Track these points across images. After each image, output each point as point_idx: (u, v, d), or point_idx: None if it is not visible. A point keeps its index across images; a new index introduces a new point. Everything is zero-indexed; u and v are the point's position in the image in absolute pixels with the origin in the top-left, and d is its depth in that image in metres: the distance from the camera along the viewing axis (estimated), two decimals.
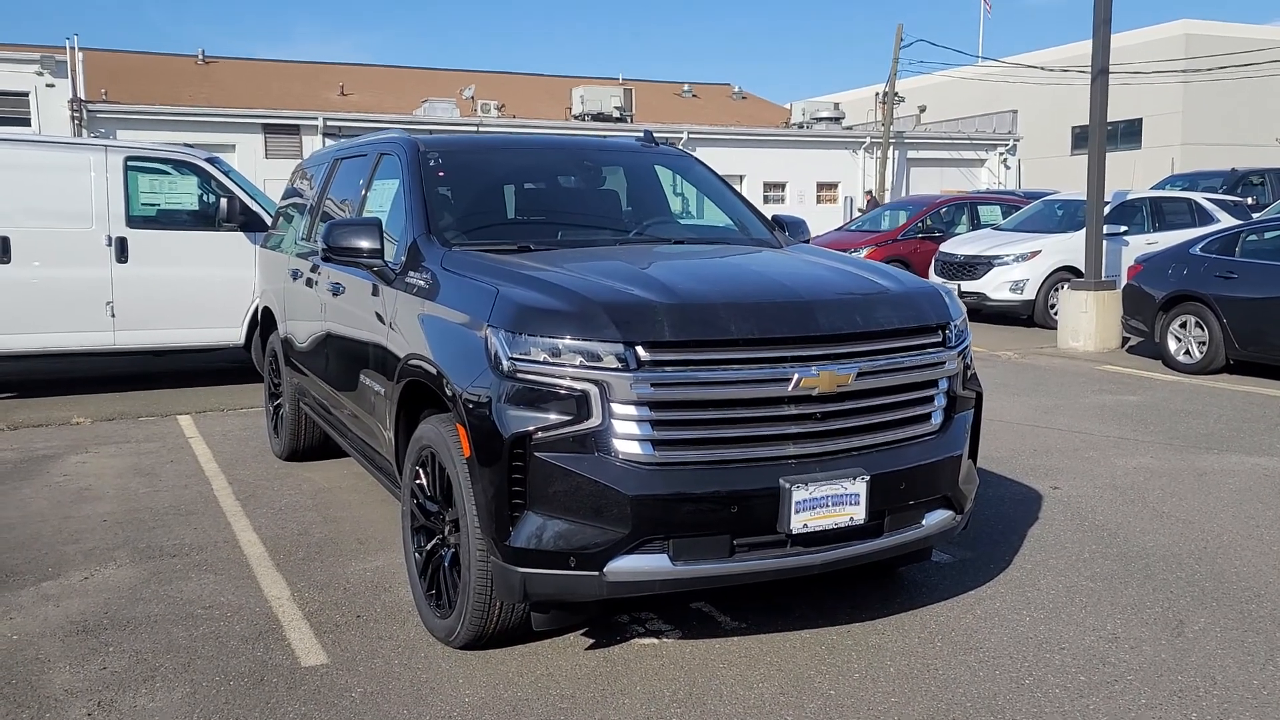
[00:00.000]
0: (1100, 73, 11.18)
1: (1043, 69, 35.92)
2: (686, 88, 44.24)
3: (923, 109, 41.60)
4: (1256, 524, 5.29)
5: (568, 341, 3.35)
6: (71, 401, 8.94)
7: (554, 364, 3.35)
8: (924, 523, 3.80)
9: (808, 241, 5.22)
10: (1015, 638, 3.94)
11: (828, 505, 3.47)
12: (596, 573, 3.36)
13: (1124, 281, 11.65)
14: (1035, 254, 13.10)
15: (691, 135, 32.95)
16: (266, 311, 7.01)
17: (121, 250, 8.93)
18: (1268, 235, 9.68)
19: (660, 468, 3.34)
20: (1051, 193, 18.82)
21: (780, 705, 3.43)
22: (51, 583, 4.65)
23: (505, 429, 3.35)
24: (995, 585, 4.48)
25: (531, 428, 3.33)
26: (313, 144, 29.39)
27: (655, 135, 5.62)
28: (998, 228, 14.99)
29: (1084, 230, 13.01)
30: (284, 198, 7.47)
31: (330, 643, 3.95)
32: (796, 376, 3.41)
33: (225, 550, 5.07)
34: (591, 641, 3.92)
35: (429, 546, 4.02)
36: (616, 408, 3.31)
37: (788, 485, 3.39)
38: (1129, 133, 41.74)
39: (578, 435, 3.33)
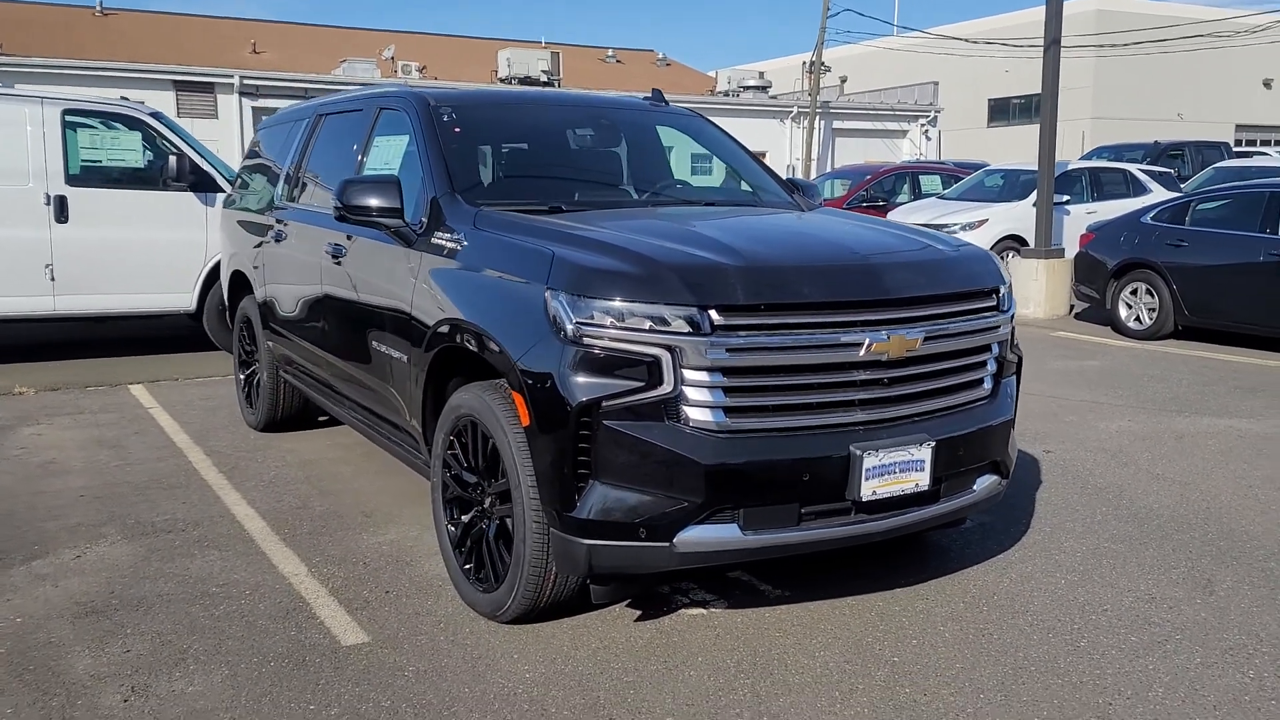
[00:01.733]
0: (1053, 43, 11.35)
1: (967, 41, 36.47)
2: (610, 53, 43.82)
3: (844, 79, 41.91)
4: (1249, 484, 5.43)
5: (637, 305, 3.22)
6: (10, 370, 8.45)
7: (623, 329, 3.21)
8: (975, 488, 3.79)
9: (822, 204, 5.16)
10: (1056, 600, 3.97)
11: (895, 472, 3.42)
12: (667, 544, 3.26)
13: (1069, 249, 11.91)
14: (982, 222, 13.31)
15: None
16: (237, 276, 6.68)
17: (61, 210, 8.43)
18: (1216, 205, 9.96)
19: (732, 435, 3.25)
20: (982, 164, 19.14)
21: (848, 674, 3.39)
22: (42, 561, 4.37)
23: (572, 397, 3.21)
24: (1021, 549, 4.51)
25: (600, 395, 3.20)
26: (229, 103, 28.33)
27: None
28: (943, 197, 15.19)
29: (1027, 199, 13.29)
30: (249, 156, 7.13)
31: (366, 620, 3.79)
32: (868, 341, 3.34)
33: (223, 525, 4.83)
34: (639, 613, 3.82)
35: (466, 519, 3.87)
36: (688, 374, 3.20)
37: (859, 452, 3.33)
38: (1040, 106, 42.67)
39: (648, 402, 3.21)
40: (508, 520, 3.58)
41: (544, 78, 35.56)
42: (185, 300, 8.91)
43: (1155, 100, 42.29)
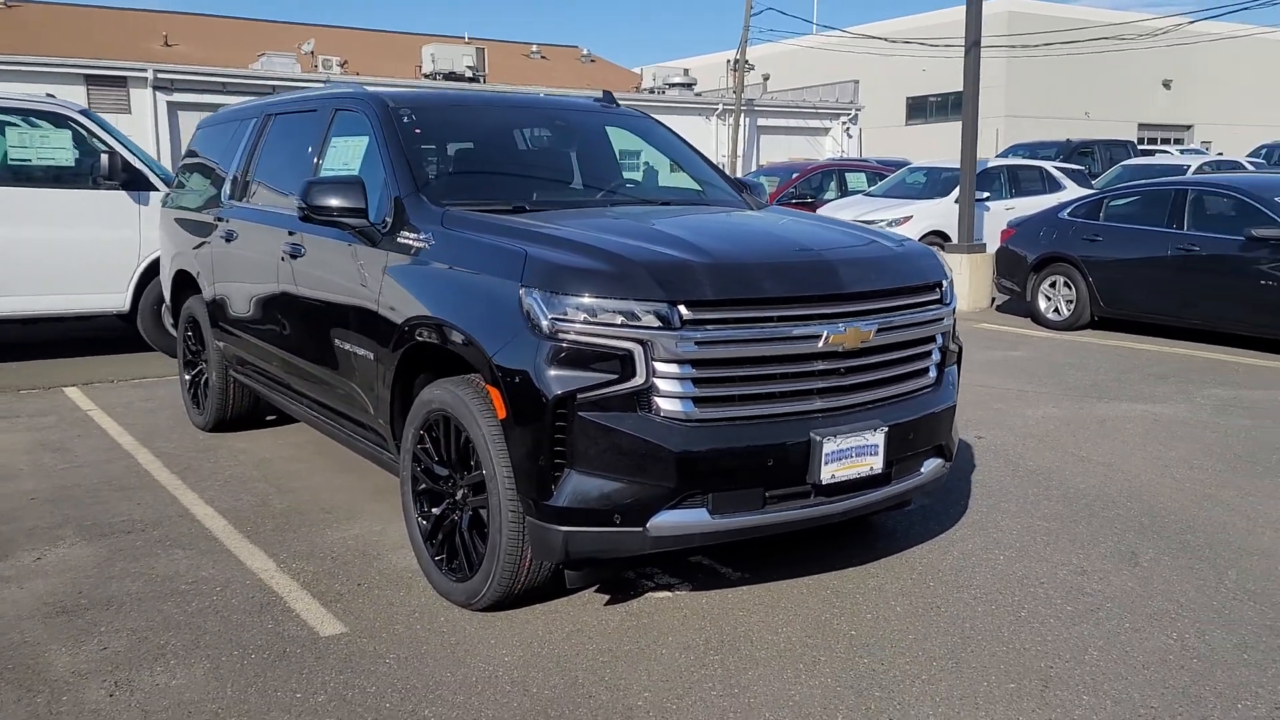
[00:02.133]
0: (973, 44, 11.75)
1: (886, 40, 37.24)
2: (535, 49, 43.75)
3: (766, 77, 42.48)
4: (1165, 464, 5.79)
5: (610, 302, 3.36)
6: None
7: (596, 324, 3.36)
8: (922, 470, 4.02)
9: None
10: (997, 575, 4.23)
11: (852, 456, 3.63)
12: (640, 528, 3.42)
13: (990, 244, 12.36)
14: (907, 219, 13.70)
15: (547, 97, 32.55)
16: (181, 275, 6.65)
17: None
18: (1128, 201, 10.46)
19: (701, 424, 3.42)
20: (903, 161, 19.66)
21: (810, 648, 3.59)
22: (2, 564, 4.36)
23: (548, 390, 3.35)
24: (961, 528, 4.77)
25: (575, 388, 3.35)
26: (142, 97, 27.60)
27: None
28: (868, 194, 15.58)
29: (949, 196, 13.73)
30: (189, 155, 7.09)
31: (341, 612, 3.87)
32: (826, 333, 3.54)
33: (183, 525, 4.85)
34: (607, 598, 3.97)
35: (437, 511, 3.98)
36: (659, 366, 3.37)
37: (819, 438, 3.53)
38: (956, 104, 43.72)
39: (621, 394, 3.37)
40: (481, 511, 3.71)
41: (469, 73, 35.39)
42: (118, 300, 8.78)
43: (1064, 99, 43.72)
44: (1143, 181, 11.57)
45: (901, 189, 15.17)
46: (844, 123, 38.05)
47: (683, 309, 3.37)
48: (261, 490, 5.34)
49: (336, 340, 4.60)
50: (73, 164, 8.74)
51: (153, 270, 8.69)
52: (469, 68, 35.56)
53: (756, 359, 3.48)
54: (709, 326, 3.40)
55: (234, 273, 5.78)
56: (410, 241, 4.11)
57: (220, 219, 5.96)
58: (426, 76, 34.73)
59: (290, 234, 4.98)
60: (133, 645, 3.61)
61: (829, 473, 3.57)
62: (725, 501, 3.49)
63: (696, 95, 37.47)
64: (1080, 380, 8.14)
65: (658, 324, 3.36)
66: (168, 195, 7.32)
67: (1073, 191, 14.87)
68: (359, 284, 4.36)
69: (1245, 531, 4.71)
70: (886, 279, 3.78)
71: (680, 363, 3.38)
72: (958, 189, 13.76)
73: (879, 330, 3.69)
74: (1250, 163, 19.04)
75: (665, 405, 3.39)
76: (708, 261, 3.51)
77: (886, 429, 3.70)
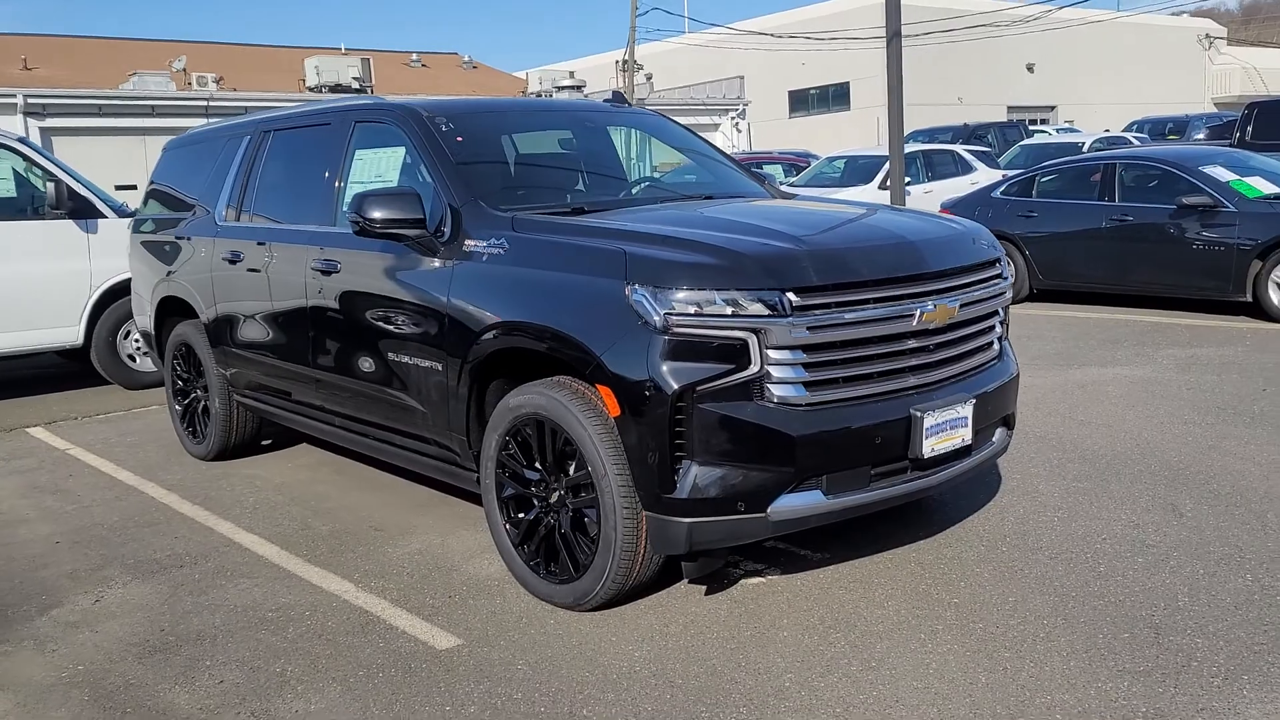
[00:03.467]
0: (894, 35, 12.15)
1: (770, 35, 37.97)
2: (415, 57, 43.15)
3: (650, 76, 42.83)
4: (1160, 421, 6.12)
5: (721, 293, 3.42)
6: None
7: (708, 316, 3.42)
8: (994, 440, 4.20)
9: None
10: (1060, 535, 4.42)
11: (946, 429, 3.77)
12: (762, 514, 3.49)
13: None
14: None
15: None
16: (169, 302, 6.41)
17: None
18: (1058, 178, 10.96)
19: (813, 408, 3.51)
20: (803, 152, 20.14)
21: (922, 618, 3.70)
22: (61, 610, 4.18)
23: (667, 384, 3.39)
24: (1005, 495, 4.96)
25: (694, 380, 3.40)
26: (12, 123, 26.07)
27: None
28: (792, 185, 15.91)
29: (873, 182, 14.16)
30: (160, 179, 6.85)
31: (446, 624, 3.84)
32: (919, 312, 3.67)
33: (234, 554, 4.71)
34: (704, 589, 4.03)
35: (529, 516, 3.97)
36: (772, 354, 3.44)
37: (918, 414, 3.66)
38: (839, 95, 45.01)
39: (737, 383, 3.43)
40: (588, 511, 3.72)
41: (356, 85, 34.72)
42: (71, 334, 8.39)
43: (939, 86, 45.19)
44: (1070, 158, 12.13)
45: (822, 179, 15.55)
46: (733, 118, 38.63)
47: (791, 296, 3.45)
48: (298, 515, 5.21)
49: (389, 354, 4.53)
50: (14, 194, 8.32)
51: (106, 301, 8.37)
52: (355, 79, 34.90)
53: (859, 340, 3.59)
54: (816, 312, 3.49)
55: (243, 294, 5.61)
56: (479, 249, 4.08)
57: (218, 240, 5.78)
58: (311, 89, 33.93)
59: (321, 250, 4.88)
60: (249, 676, 3.51)
61: (929, 446, 3.70)
62: (838, 482, 3.59)
63: (585, 98, 37.54)
64: (1043, 350, 8.51)
65: (768, 312, 3.43)
66: (136, 221, 7.04)
67: (984, 172, 15.49)
68: (418, 296, 4.31)
69: (1261, 478, 5.02)
70: (963, 257, 3.94)
71: (792, 349, 3.46)
72: (880, 174, 14.20)
73: (961, 306, 3.84)
74: (1135, 138, 20.10)
75: (779, 391, 3.47)
76: (807, 249, 3.61)
77: (974, 401, 3.85)
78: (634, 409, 3.47)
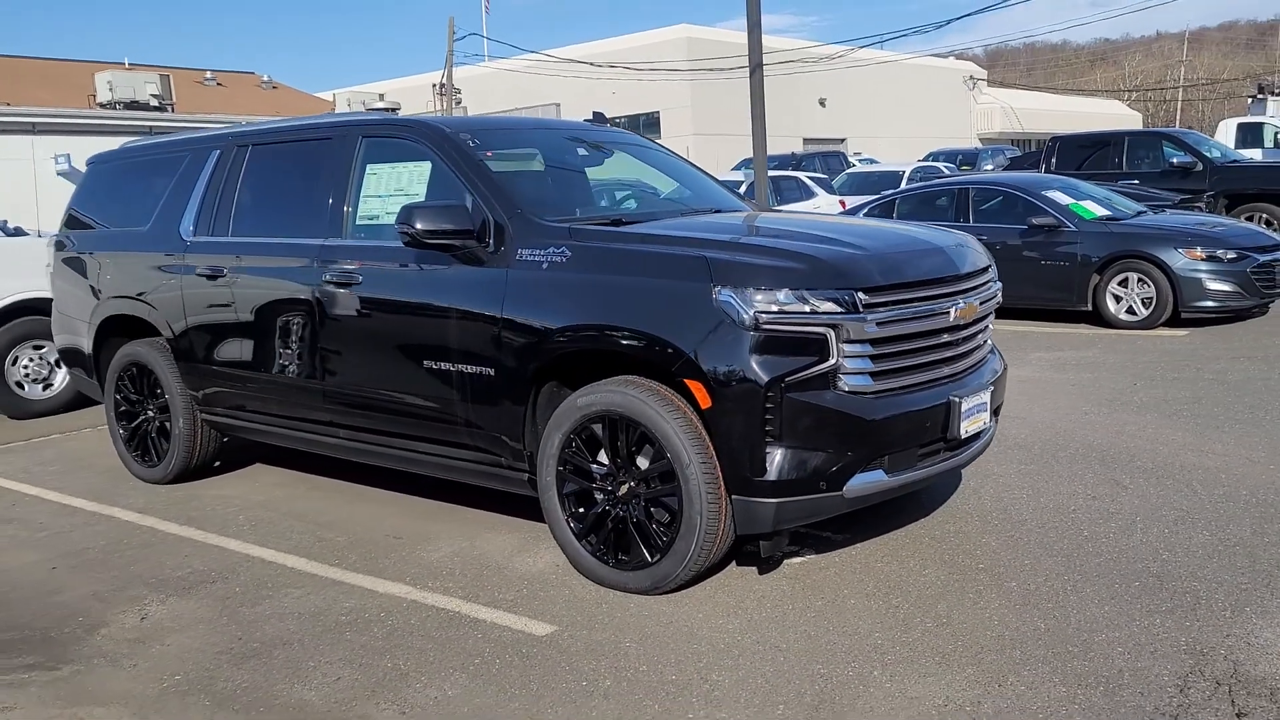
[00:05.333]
0: (756, 67, 12.91)
1: (589, 64, 38.73)
2: (209, 75, 41.38)
3: (459, 102, 42.82)
4: (1065, 412, 6.90)
5: (802, 293, 3.80)
6: None
7: (792, 314, 3.78)
8: (993, 426, 4.75)
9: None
10: (1037, 508, 5.00)
11: (975, 413, 4.28)
12: (839, 493, 3.88)
13: None
14: None
15: None
16: (115, 321, 6.17)
17: None
18: (917, 201, 11.95)
19: (879, 395, 3.93)
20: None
21: (960, 582, 4.17)
22: (111, 629, 4.07)
23: (759, 377, 3.73)
24: (968, 479, 5.52)
25: (783, 372, 3.76)
26: None
27: None
28: None
29: None
30: (89, 195, 6.59)
31: (533, 614, 4.00)
32: (954, 309, 4.16)
33: (263, 569, 4.67)
34: (755, 569, 4.35)
35: (596, 509, 4.20)
36: (845, 347, 3.84)
37: (957, 399, 4.15)
38: (649, 123, 46.29)
39: (818, 374, 3.81)
40: (666, 500, 3.99)
41: (155, 102, 32.60)
42: None
43: (742, 118, 47.26)
44: (928, 183, 13.20)
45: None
46: None
47: (861, 295, 3.87)
48: (304, 528, 5.18)
49: (425, 362, 4.63)
50: None
51: None
52: (154, 96, 32.79)
53: (913, 334, 4.04)
54: (881, 309, 3.92)
55: (224, 310, 5.51)
56: (536, 258, 4.29)
57: (189, 256, 5.66)
58: (104, 106, 31.83)
59: (333, 262, 4.92)
60: (364, 672, 3.58)
61: (964, 428, 4.19)
62: (896, 461, 4.02)
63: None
64: None
65: (843, 310, 3.83)
66: (58, 240, 6.71)
67: (824, 198, 16.58)
68: (466, 304, 4.44)
69: (1171, 454, 5.82)
70: (976, 262, 4.47)
71: (862, 342, 3.87)
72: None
73: (980, 303, 4.37)
74: (945, 167, 21.92)
75: (851, 381, 3.87)
76: (868, 254, 4.04)
77: (992, 388, 4.38)
78: (726, 400, 3.78)
